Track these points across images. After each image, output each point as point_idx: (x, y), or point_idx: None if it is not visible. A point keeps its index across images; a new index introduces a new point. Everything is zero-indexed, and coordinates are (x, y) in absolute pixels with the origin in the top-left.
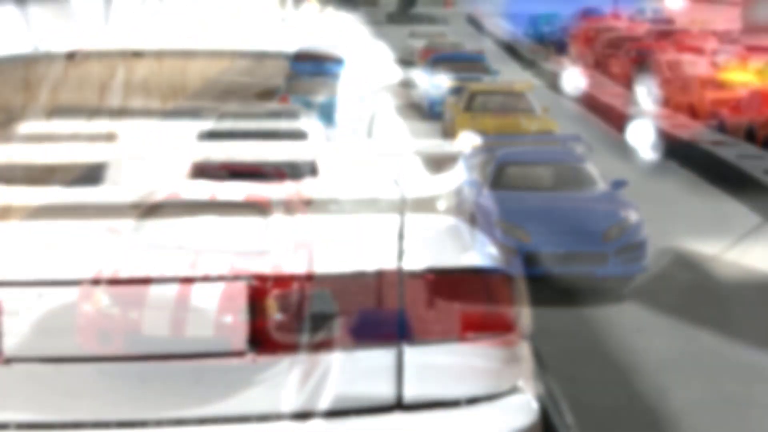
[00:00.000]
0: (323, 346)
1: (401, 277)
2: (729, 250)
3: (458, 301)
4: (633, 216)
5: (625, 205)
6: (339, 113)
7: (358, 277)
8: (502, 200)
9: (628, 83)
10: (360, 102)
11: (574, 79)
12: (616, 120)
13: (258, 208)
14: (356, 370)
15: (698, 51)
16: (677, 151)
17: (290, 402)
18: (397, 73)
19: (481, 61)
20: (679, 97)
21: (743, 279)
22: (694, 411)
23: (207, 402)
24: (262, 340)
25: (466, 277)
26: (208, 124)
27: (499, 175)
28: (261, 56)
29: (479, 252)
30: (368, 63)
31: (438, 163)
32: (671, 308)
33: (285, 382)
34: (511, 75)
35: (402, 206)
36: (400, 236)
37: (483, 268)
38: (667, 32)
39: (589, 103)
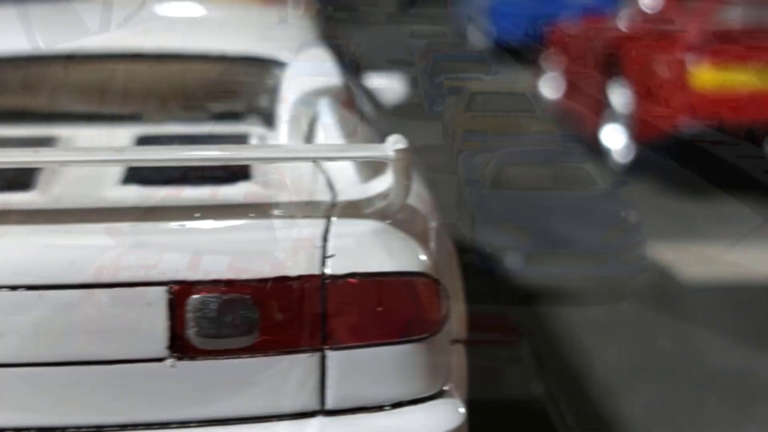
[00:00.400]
0: (244, 351)
1: (323, 281)
2: (694, 249)
3: (382, 305)
4: (633, 216)
5: (625, 206)
6: (280, 116)
7: (280, 282)
8: (501, 200)
9: (602, 86)
10: (302, 105)
11: (552, 82)
12: (591, 124)
13: (182, 212)
14: (278, 375)
15: (670, 53)
16: (646, 156)
17: (211, 407)
18: (338, 79)
19: (482, 61)
20: (650, 100)
21: (704, 279)
22: (645, 415)
23: (126, 408)
24: (182, 345)
25: (391, 281)
26: (150, 129)
27: (498, 176)
28: (221, 59)
29: (406, 256)
30: (311, 66)
31: (375, 167)
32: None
33: (205, 387)
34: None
35: (329, 210)
36: (324, 240)
37: (408, 272)
38: (649, 33)
39: (566, 107)
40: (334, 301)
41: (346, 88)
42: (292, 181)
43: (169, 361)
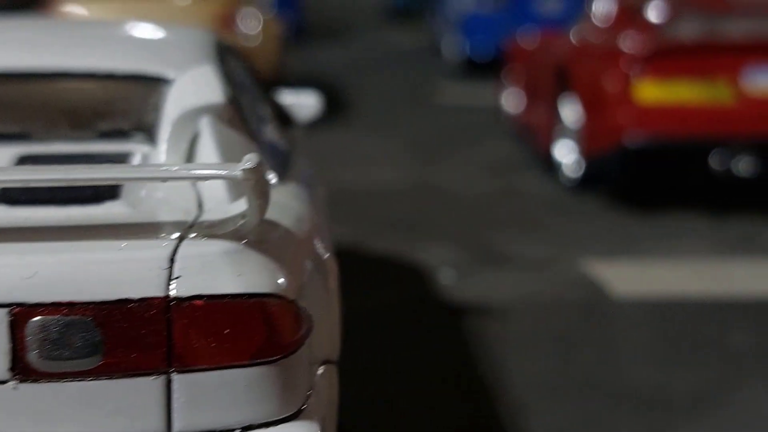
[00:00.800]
0: (88, 373)
1: (168, 303)
2: (632, 265)
3: (230, 327)
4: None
5: None
6: (162, 134)
7: (123, 304)
8: None
9: (554, 102)
10: (183, 123)
11: (510, 99)
12: (544, 138)
13: (26, 232)
14: (123, 399)
15: (615, 67)
16: (594, 170)
17: (55, 430)
18: (222, 97)
19: None
20: (597, 115)
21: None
22: None
23: None
24: (24, 368)
25: (239, 302)
26: (34, 148)
27: None
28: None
29: (256, 277)
30: (196, 83)
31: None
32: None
33: (49, 410)
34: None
35: (185, 230)
36: (171, 261)
37: (258, 293)
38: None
39: (521, 123)
40: (181, 324)
41: (232, 105)
42: (160, 200)
43: (11, 384)
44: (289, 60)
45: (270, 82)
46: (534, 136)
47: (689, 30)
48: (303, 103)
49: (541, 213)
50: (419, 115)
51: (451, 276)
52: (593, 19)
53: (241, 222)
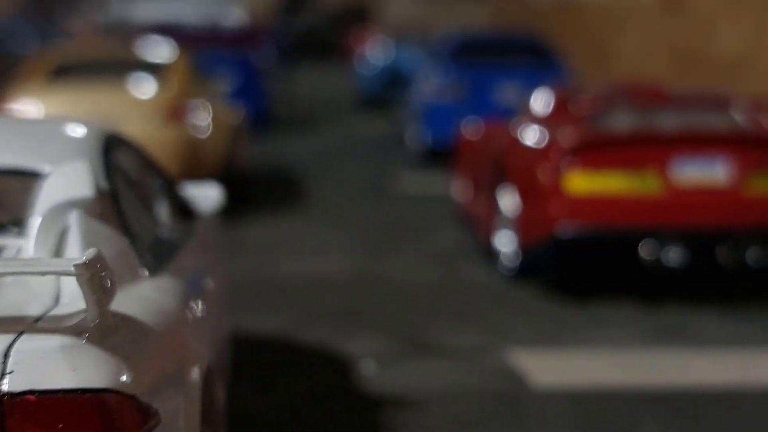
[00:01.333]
0: None
1: (2, 398)
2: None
3: (65, 422)
4: None
5: None
6: (32, 228)
7: None
8: None
9: (494, 192)
10: (53, 217)
11: (457, 188)
12: (485, 228)
13: None
14: None
15: (547, 158)
16: (530, 260)
17: None
18: (93, 191)
19: None
20: (531, 207)
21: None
22: None
23: None
24: None
25: (74, 398)
26: None
27: None
28: None
29: (92, 372)
30: (68, 178)
31: None
32: None
33: None
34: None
35: (28, 325)
36: (5, 356)
37: (95, 388)
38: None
39: (467, 212)
40: (14, 419)
41: (105, 199)
42: (20, 293)
43: None
44: (252, 150)
45: (221, 172)
46: (477, 226)
47: (619, 122)
48: (205, 195)
49: (477, 303)
50: (375, 205)
51: (372, 367)
52: (530, 111)
53: (82, 316)
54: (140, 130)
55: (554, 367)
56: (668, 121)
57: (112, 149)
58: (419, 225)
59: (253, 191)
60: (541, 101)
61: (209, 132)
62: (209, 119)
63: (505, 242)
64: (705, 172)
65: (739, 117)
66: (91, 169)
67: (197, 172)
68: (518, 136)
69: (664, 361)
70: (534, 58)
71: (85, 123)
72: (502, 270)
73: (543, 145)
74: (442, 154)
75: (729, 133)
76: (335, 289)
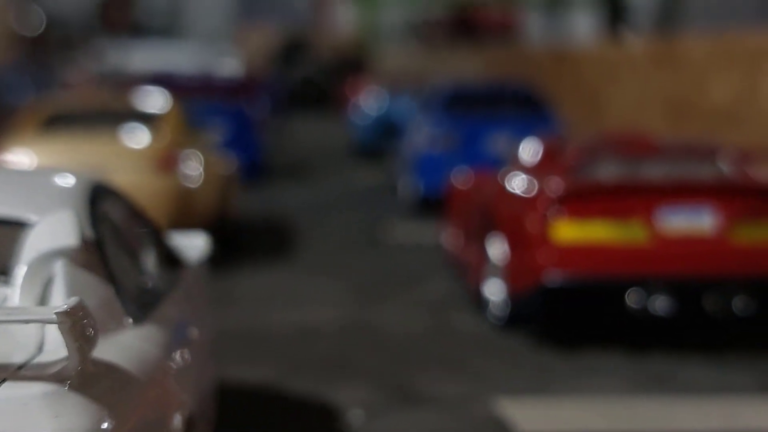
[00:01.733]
0: None
1: None
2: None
3: None
4: None
5: None
6: (17, 276)
7: None
8: None
9: (483, 241)
10: (38, 266)
11: (449, 237)
12: (475, 276)
13: None
14: None
15: (534, 207)
16: (519, 309)
17: None
18: (77, 241)
19: None
20: (519, 255)
21: None
22: None
23: None
24: None
25: None
26: None
27: None
28: None
29: (74, 419)
30: (53, 228)
31: None
32: None
33: None
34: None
35: (11, 372)
36: None
37: None
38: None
39: (458, 261)
40: None
41: (90, 248)
42: (2, 341)
43: None
44: (245, 199)
45: (212, 222)
46: (467, 274)
47: (606, 172)
48: (191, 244)
49: (466, 352)
50: (367, 254)
51: (359, 417)
52: (519, 161)
53: (64, 364)
54: (132, 179)
55: (541, 416)
56: (655, 171)
57: (98, 199)
58: (410, 274)
59: (245, 241)
60: (529, 151)
61: (201, 182)
62: (201, 169)
63: (494, 291)
64: (691, 222)
65: (724, 166)
66: (77, 218)
67: (188, 221)
68: (507, 185)
69: (651, 409)
70: (526, 109)
71: (73, 173)
72: (492, 318)
73: (531, 194)
74: (434, 204)
75: (714, 182)
76: (324, 338)
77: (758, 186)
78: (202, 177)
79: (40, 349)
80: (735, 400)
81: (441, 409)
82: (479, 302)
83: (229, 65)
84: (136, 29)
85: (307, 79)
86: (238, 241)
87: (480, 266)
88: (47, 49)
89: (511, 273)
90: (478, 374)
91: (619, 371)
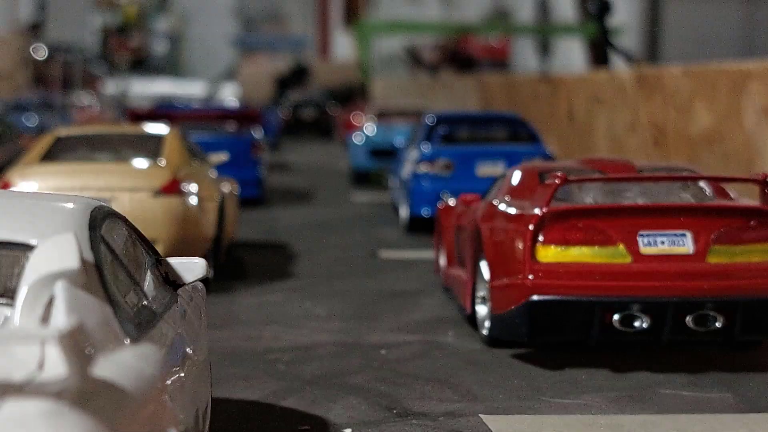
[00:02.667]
0: None
1: None
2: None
3: None
4: None
5: None
6: (19, 297)
7: None
8: None
9: (474, 261)
10: (40, 286)
11: (442, 257)
12: (464, 297)
13: None
14: None
15: (519, 230)
16: (504, 326)
17: None
18: (76, 263)
19: None
20: (504, 275)
21: None
22: None
23: None
24: None
25: None
26: None
27: None
28: None
29: None
30: (53, 250)
31: None
32: None
33: None
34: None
35: (12, 389)
36: None
37: None
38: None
39: (451, 279)
40: None
41: (90, 270)
42: (3, 360)
43: None
44: (244, 222)
45: (213, 243)
46: (459, 293)
47: (589, 196)
48: (189, 267)
49: (457, 368)
50: (363, 273)
51: None
52: (505, 185)
53: (64, 383)
54: (135, 202)
55: (524, 429)
56: (636, 194)
57: (97, 222)
58: (405, 292)
59: (243, 260)
60: (515, 176)
61: (203, 204)
62: (202, 192)
63: (483, 310)
64: (672, 243)
65: (704, 188)
66: (77, 241)
67: (190, 243)
68: (493, 208)
69: (633, 426)
70: (515, 135)
71: (73, 198)
72: (482, 336)
73: (515, 217)
74: (427, 225)
75: (693, 206)
76: (318, 357)
77: (734, 209)
78: (204, 199)
79: (40, 367)
80: (715, 417)
81: (427, 425)
82: (470, 320)
83: (229, 91)
84: (140, 61)
85: (308, 104)
86: (237, 262)
87: (470, 286)
88: (53, 81)
89: (498, 293)
90: (465, 390)
91: (601, 387)
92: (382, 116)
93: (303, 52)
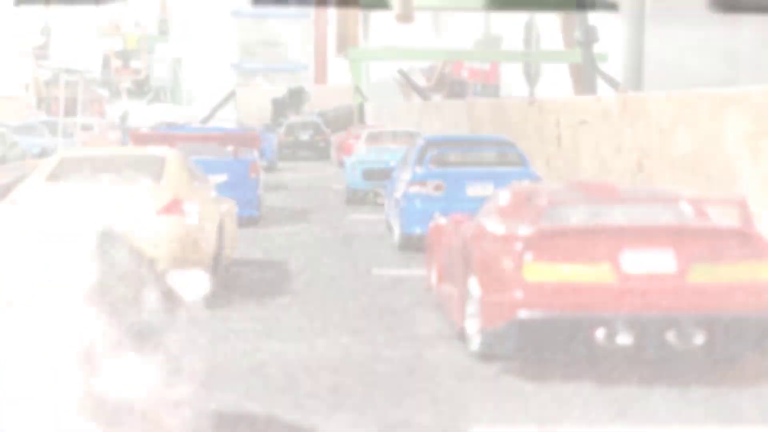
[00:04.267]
0: None
1: None
2: None
3: None
4: None
5: None
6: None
7: None
8: None
9: (464, 277)
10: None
11: (433, 273)
12: (456, 313)
13: None
14: None
15: (506, 249)
16: (496, 343)
17: None
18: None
19: None
20: (492, 292)
21: None
22: None
23: None
24: None
25: None
26: None
27: None
28: None
29: None
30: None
31: None
32: None
33: None
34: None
35: None
36: None
37: None
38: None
39: (439, 297)
40: None
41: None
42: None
43: None
44: (242, 241)
45: (212, 261)
46: (450, 310)
47: (574, 216)
48: (190, 281)
49: (448, 383)
50: (358, 289)
51: None
52: (494, 206)
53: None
54: (137, 222)
55: None
56: (620, 215)
57: (104, 244)
58: (398, 308)
59: (241, 279)
60: (504, 197)
61: (202, 224)
62: (202, 212)
63: (473, 326)
64: (654, 262)
65: (686, 209)
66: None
67: (190, 261)
68: (483, 228)
69: None
70: (503, 158)
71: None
72: (471, 351)
73: (504, 236)
74: (420, 243)
75: (676, 225)
76: (311, 372)
77: (715, 230)
78: (204, 219)
79: None
80: (698, 430)
81: None
82: (461, 336)
83: (227, 114)
84: (140, 85)
85: (305, 126)
86: (236, 278)
87: (460, 302)
88: (56, 103)
89: (487, 310)
90: (455, 405)
91: (588, 403)
92: (376, 139)
93: (300, 76)
